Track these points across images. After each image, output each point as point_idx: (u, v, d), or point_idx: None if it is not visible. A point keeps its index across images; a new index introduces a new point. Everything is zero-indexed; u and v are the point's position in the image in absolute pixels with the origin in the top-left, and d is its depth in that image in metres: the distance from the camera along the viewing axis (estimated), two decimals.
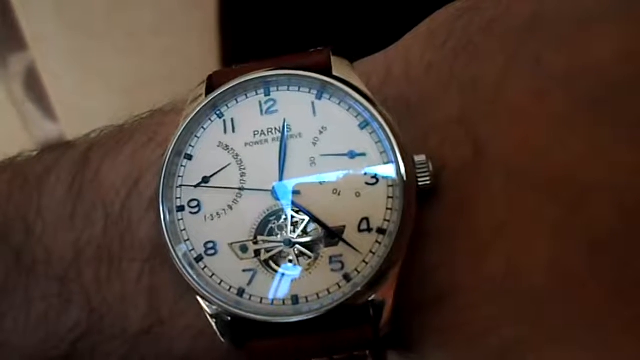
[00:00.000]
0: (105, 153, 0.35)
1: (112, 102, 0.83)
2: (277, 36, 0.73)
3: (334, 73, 0.32)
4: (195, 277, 0.31)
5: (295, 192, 0.31)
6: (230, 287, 0.31)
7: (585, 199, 0.27)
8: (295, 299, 0.30)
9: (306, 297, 0.30)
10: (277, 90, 0.33)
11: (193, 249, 0.31)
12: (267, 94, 0.33)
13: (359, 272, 0.30)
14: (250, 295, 0.31)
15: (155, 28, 0.85)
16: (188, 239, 0.32)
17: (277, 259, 0.31)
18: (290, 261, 0.31)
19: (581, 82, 0.28)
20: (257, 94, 0.33)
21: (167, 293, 0.32)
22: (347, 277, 0.30)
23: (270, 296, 0.31)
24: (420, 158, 0.30)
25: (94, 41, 0.86)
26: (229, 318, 0.30)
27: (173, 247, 0.31)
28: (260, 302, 0.31)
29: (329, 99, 0.32)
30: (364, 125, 0.32)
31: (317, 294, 0.30)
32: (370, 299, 0.30)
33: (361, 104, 0.31)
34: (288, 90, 0.33)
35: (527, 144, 0.28)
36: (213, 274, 0.31)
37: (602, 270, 0.27)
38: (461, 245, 0.29)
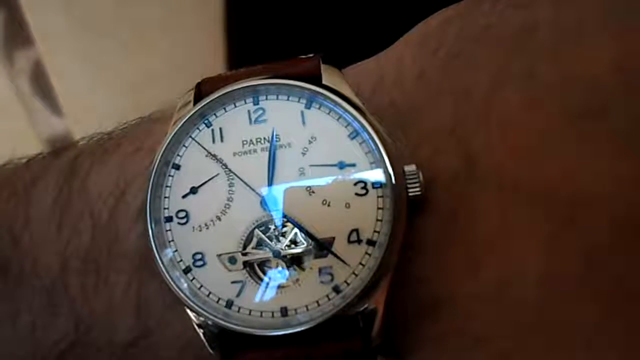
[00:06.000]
0: (92, 162, 0.34)
1: (118, 98, 0.83)
2: (283, 33, 0.72)
3: (324, 82, 0.31)
4: (183, 288, 0.30)
5: (284, 203, 0.31)
6: (219, 299, 0.30)
7: (579, 211, 0.26)
8: (284, 311, 0.30)
9: (295, 309, 0.30)
10: (266, 99, 0.32)
11: (181, 260, 0.31)
12: (256, 103, 0.32)
13: (348, 284, 0.30)
14: (239, 307, 0.30)
15: (162, 25, 0.85)
16: (176, 250, 0.31)
17: (266, 270, 0.31)
18: (279, 273, 0.30)
19: (574, 93, 0.27)
20: (245, 103, 0.32)
21: (155, 304, 0.32)
22: (336, 289, 0.30)
23: (259, 308, 0.30)
24: (410, 168, 0.29)
25: (101, 38, 0.86)
26: (217, 330, 0.30)
27: (161, 259, 0.30)
28: (249, 314, 0.30)
29: (319, 109, 0.32)
30: (354, 135, 0.31)
31: (307, 306, 0.30)
32: (360, 310, 0.29)
33: (351, 114, 0.31)
34: (277, 99, 0.32)
35: (519, 155, 0.28)
36: (201, 286, 0.30)
37: (596, 285, 0.26)
38: (453, 256, 0.29)
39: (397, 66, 0.32)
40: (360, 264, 0.30)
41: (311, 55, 0.33)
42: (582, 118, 0.27)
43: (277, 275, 0.30)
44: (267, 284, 0.30)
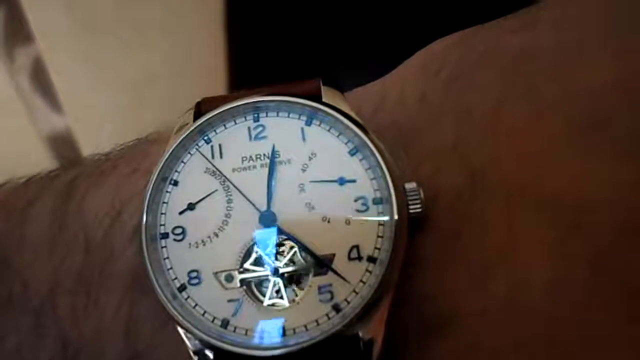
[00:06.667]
0: (89, 184, 0.34)
1: (118, 97, 0.82)
2: (284, 33, 0.72)
3: (324, 100, 0.32)
4: (177, 307, 0.29)
5: (284, 220, 0.30)
6: (214, 318, 0.29)
7: (584, 218, 0.26)
8: (282, 331, 0.29)
9: (294, 329, 0.29)
10: (267, 116, 0.32)
11: (176, 278, 0.30)
12: (257, 120, 0.32)
13: (348, 303, 0.29)
14: (235, 327, 0.29)
15: (163, 24, 0.84)
16: (171, 268, 0.30)
17: (264, 288, 0.30)
18: (278, 291, 0.29)
19: (576, 107, 0.28)
20: (246, 120, 0.32)
21: (145, 325, 0.31)
22: (336, 308, 0.29)
23: (256, 328, 0.29)
24: (410, 185, 0.29)
25: (102, 35, 0.85)
26: (212, 356, 0.28)
27: (155, 276, 0.29)
28: (246, 334, 0.29)
29: (319, 125, 0.32)
30: (354, 151, 0.31)
31: (305, 326, 0.29)
32: (360, 331, 0.28)
33: (352, 130, 0.31)
34: (277, 116, 0.32)
35: (524, 165, 0.28)
36: (196, 304, 0.29)
37: (604, 290, 0.26)
38: (460, 271, 0.28)
39: (399, 88, 0.32)
40: (361, 281, 0.29)
41: (311, 79, 0.33)
42: (583, 128, 0.27)
43: (275, 293, 0.29)
44: (265, 302, 0.29)
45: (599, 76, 0.28)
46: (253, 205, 0.31)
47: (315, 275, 0.29)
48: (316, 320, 0.29)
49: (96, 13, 0.83)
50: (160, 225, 0.31)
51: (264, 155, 0.31)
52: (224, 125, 0.32)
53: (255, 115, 0.32)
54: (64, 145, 0.84)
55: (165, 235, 0.31)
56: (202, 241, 0.30)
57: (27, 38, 0.82)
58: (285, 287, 0.30)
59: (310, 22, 0.70)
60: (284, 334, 0.29)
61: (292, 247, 0.30)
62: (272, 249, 0.30)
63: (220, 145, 0.32)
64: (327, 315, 0.29)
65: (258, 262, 0.30)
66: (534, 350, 0.27)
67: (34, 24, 0.82)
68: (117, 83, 0.84)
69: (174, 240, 0.30)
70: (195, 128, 0.32)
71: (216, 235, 0.30)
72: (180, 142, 0.32)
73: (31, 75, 0.84)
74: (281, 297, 0.29)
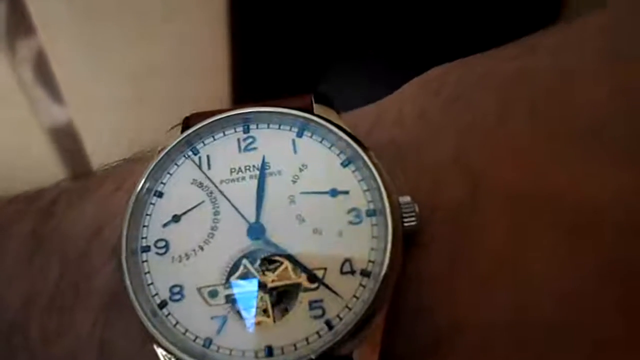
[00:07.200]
0: (71, 202, 0.33)
1: (121, 88, 0.81)
2: (288, 25, 0.72)
3: (316, 113, 0.31)
4: (157, 325, 0.27)
5: (273, 232, 0.29)
6: (196, 337, 0.27)
7: (587, 223, 0.26)
8: (269, 351, 0.27)
9: (282, 348, 0.27)
10: (257, 127, 0.32)
11: (157, 294, 0.28)
12: (247, 131, 0.31)
13: (341, 319, 0.27)
14: (219, 347, 0.27)
15: (165, 16, 0.84)
16: (152, 283, 0.28)
17: (251, 305, 0.28)
18: (265, 308, 0.28)
19: (576, 119, 0.28)
20: (235, 132, 0.31)
21: (121, 345, 0.29)
22: (328, 324, 0.27)
23: (242, 347, 0.27)
24: (405, 199, 0.28)
25: (104, 27, 0.85)
26: None
27: (134, 291, 0.28)
28: (230, 354, 0.27)
29: (311, 137, 0.31)
30: (346, 162, 0.30)
31: (295, 345, 0.27)
32: (353, 351, 0.27)
33: (344, 141, 0.30)
34: (268, 128, 0.31)
35: (525, 175, 0.27)
36: (177, 322, 0.28)
37: (606, 294, 0.25)
38: (461, 283, 0.27)
39: (397, 108, 0.32)
40: (354, 296, 0.27)
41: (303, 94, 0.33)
42: (584, 137, 0.27)
43: (262, 310, 0.28)
44: (251, 319, 0.28)
45: (599, 85, 0.28)
46: (241, 216, 0.29)
47: (305, 290, 0.28)
48: (306, 339, 0.27)
49: (98, 4, 0.83)
50: (142, 238, 0.29)
51: (254, 166, 0.30)
52: (213, 136, 0.32)
53: (245, 126, 0.32)
54: (65, 136, 0.83)
55: (146, 249, 0.29)
56: (186, 255, 0.29)
57: (29, 30, 0.81)
58: (273, 303, 0.28)
59: (314, 20, 0.70)
60: (270, 354, 0.27)
61: (281, 262, 0.28)
62: (260, 263, 0.28)
63: (208, 157, 0.31)
64: (317, 332, 0.27)
65: (245, 276, 0.28)
66: (539, 355, 0.26)
67: (36, 16, 0.82)
68: (118, 74, 0.83)
69: (156, 253, 0.29)
70: (182, 139, 0.31)
71: (201, 248, 0.29)
72: (167, 152, 0.31)
73: (33, 67, 0.84)
74: (268, 314, 0.28)
